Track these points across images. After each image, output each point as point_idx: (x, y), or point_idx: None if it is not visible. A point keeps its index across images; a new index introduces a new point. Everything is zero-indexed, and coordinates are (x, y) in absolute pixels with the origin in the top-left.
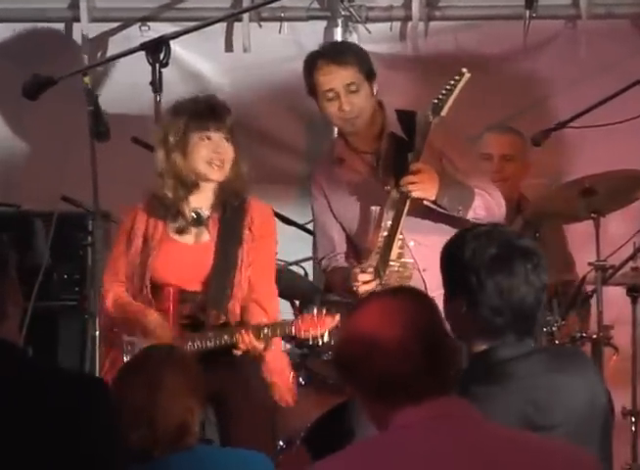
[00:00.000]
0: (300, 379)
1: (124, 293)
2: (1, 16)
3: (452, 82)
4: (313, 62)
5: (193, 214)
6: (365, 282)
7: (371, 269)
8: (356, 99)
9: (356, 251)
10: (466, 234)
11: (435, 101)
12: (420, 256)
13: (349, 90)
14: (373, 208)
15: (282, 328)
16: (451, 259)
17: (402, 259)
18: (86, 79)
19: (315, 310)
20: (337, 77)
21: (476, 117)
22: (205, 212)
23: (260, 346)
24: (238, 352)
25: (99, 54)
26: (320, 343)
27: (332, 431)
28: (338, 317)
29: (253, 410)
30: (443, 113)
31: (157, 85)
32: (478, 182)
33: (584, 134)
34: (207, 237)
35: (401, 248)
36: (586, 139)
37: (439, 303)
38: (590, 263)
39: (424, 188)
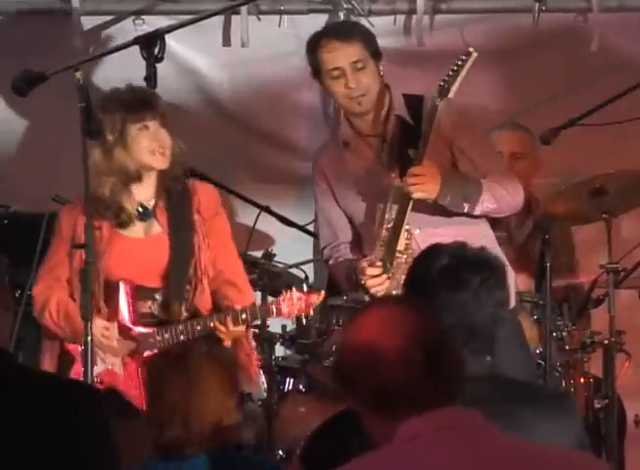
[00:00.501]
0: (301, 386)
1: (68, 298)
2: None
3: (459, 62)
4: (317, 40)
5: (138, 208)
6: (373, 276)
7: (379, 263)
8: (363, 76)
9: (360, 239)
10: (427, 249)
11: (441, 83)
12: (426, 244)
13: (356, 68)
14: (378, 203)
15: (262, 310)
16: (408, 275)
17: (409, 251)
18: (78, 75)
19: (295, 288)
20: (342, 54)
21: (484, 113)
22: (150, 204)
23: (241, 330)
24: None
25: (91, 48)
26: (304, 321)
27: (330, 445)
28: (323, 293)
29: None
30: (451, 95)
31: (151, 81)
32: (490, 170)
33: (595, 132)
34: (159, 228)
35: (408, 239)
36: (597, 137)
37: None
38: (602, 266)
39: (425, 189)
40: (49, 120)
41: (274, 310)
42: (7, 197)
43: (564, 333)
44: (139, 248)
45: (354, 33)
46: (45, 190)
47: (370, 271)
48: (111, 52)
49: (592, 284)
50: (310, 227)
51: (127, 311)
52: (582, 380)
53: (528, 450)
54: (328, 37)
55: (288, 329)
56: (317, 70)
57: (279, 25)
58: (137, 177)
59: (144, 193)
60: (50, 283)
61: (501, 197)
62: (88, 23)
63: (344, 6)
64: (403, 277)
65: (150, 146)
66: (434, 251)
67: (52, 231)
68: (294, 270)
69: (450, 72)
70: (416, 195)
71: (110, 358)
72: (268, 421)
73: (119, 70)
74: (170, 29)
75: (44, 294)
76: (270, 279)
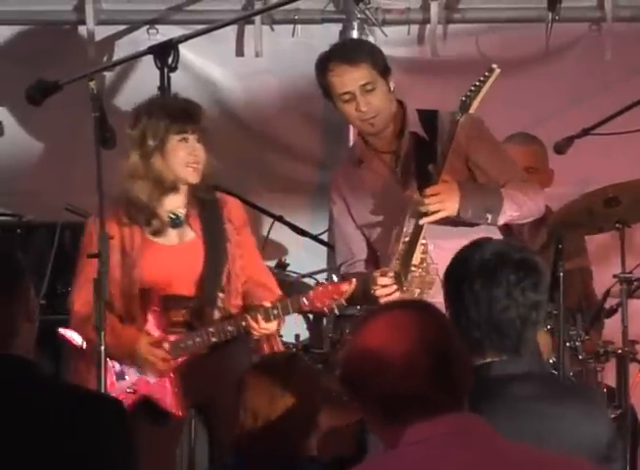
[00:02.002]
0: None
1: (110, 315)
2: (6, 18)
3: (482, 78)
4: (324, 64)
5: (171, 216)
6: (384, 285)
7: (391, 274)
8: (373, 98)
9: (376, 256)
10: (474, 241)
11: (463, 98)
12: (440, 259)
13: (365, 90)
14: (394, 220)
15: (294, 304)
16: (449, 264)
17: (424, 265)
18: (91, 84)
19: (327, 281)
20: (350, 79)
21: (497, 122)
22: (181, 212)
23: (273, 326)
24: (255, 337)
25: (105, 58)
26: (337, 312)
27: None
28: (354, 282)
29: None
30: (471, 110)
31: (165, 90)
32: (510, 178)
33: (609, 142)
34: (192, 234)
35: (424, 253)
36: (611, 147)
37: None
38: (615, 276)
39: (444, 207)
40: (63, 130)
41: (306, 303)
42: (20, 206)
43: (577, 343)
44: (173, 254)
45: (361, 55)
46: (58, 199)
47: (381, 281)
48: (124, 61)
49: (605, 294)
50: (324, 237)
51: (158, 321)
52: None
53: (535, 456)
54: (335, 61)
55: (301, 338)
56: (327, 93)
57: (292, 35)
58: (173, 187)
59: (175, 202)
60: (89, 298)
61: (523, 203)
62: (102, 32)
63: (358, 16)
64: (418, 291)
65: (185, 158)
66: (478, 244)
67: (74, 242)
68: (307, 280)
69: (472, 88)
70: (436, 216)
71: (137, 369)
72: None
73: (133, 80)
74: (184, 39)
75: (86, 308)
76: (283, 289)
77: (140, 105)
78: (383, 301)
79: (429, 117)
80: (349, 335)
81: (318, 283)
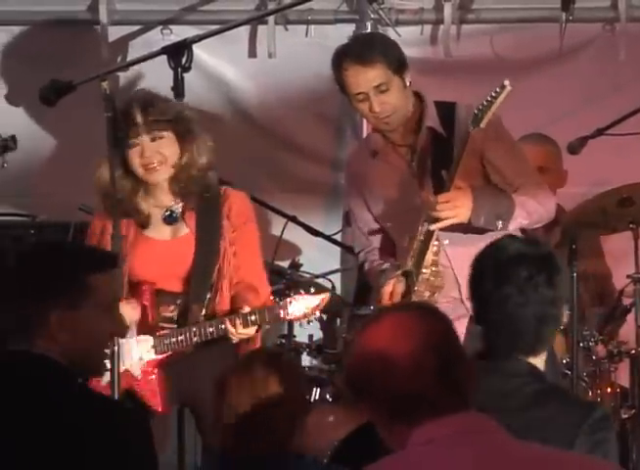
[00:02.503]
0: (327, 395)
1: None
2: (19, 18)
3: (493, 94)
4: (339, 62)
5: (165, 212)
6: (390, 295)
7: (398, 291)
8: (387, 98)
9: (394, 246)
10: (497, 240)
11: (476, 112)
12: (456, 254)
13: (379, 90)
14: (409, 213)
15: (270, 312)
16: (472, 264)
17: (434, 268)
18: (104, 84)
19: (302, 290)
20: (364, 79)
21: (511, 122)
22: (178, 208)
23: (250, 332)
24: (233, 341)
25: (119, 58)
26: (308, 322)
27: (357, 455)
28: (327, 295)
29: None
30: (482, 124)
31: (179, 90)
32: (522, 183)
33: (622, 142)
34: (186, 230)
35: (436, 254)
36: (624, 147)
37: None
38: (629, 276)
39: (456, 214)
40: (76, 130)
41: (281, 314)
42: (34, 207)
43: (591, 343)
44: (164, 249)
45: (375, 55)
46: (72, 200)
47: (387, 288)
48: (138, 62)
49: (619, 294)
50: (337, 237)
51: (148, 315)
52: (609, 390)
53: (542, 455)
54: (349, 61)
55: (314, 339)
56: (343, 90)
57: (306, 35)
58: (144, 187)
59: (165, 198)
60: None
61: (534, 210)
62: (115, 32)
63: (372, 16)
64: (427, 294)
65: (140, 162)
66: (496, 243)
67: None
68: (320, 280)
69: (485, 102)
70: (448, 222)
71: (127, 360)
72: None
73: (147, 80)
74: (198, 39)
75: None
76: (297, 289)
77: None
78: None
79: (446, 110)
80: (354, 337)
81: (295, 293)
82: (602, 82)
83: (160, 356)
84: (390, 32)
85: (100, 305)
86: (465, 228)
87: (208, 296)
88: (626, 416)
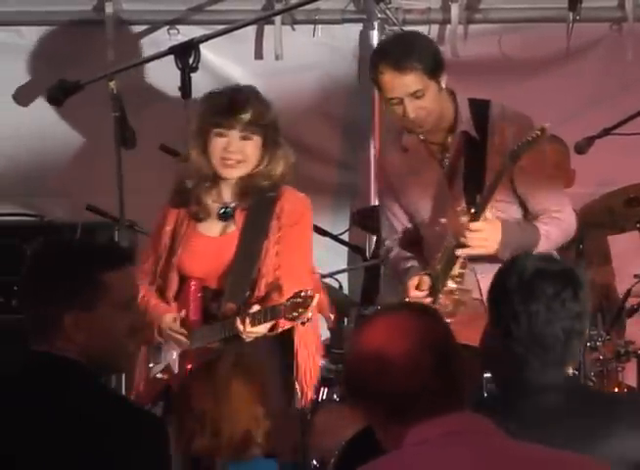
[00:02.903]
0: (335, 395)
1: (152, 293)
2: (26, 19)
3: (534, 135)
4: (375, 63)
5: (221, 209)
6: (419, 290)
7: (425, 287)
8: (422, 103)
9: (421, 239)
10: (516, 256)
11: (515, 148)
12: (484, 278)
13: (415, 96)
14: (439, 212)
15: (272, 312)
16: (493, 281)
17: (461, 287)
18: (112, 84)
19: (302, 293)
20: (400, 85)
21: None
22: (233, 204)
23: (261, 330)
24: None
25: (126, 58)
26: (304, 323)
27: (364, 455)
28: (317, 296)
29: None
30: (520, 162)
31: (186, 90)
32: (546, 208)
33: (630, 142)
34: (233, 228)
35: (463, 268)
36: (632, 147)
37: None
38: (636, 275)
39: (484, 246)
40: (84, 130)
41: (281, 313)
42: (41, 207)
43: (598, 343)
44: (211, 246)
45: (412, 61)
46: (79, 200)
47: (414, 294)
48: (145, 61)
49: (626, 294)
50: (344, 237)
51: (194, 312)
52: (616, 390)
53: (539, 455)
54: (385, 64)
55: (322, 338)
56: (378, 89)
57: (313, 35)
58: (211, 179)
59: (226, 194)
60: (140, 278)
61: (556, 238)
62: (122, 32)
63: (379, 16)
64: (450, 307)
65: (220, 154)
66: (516, 260)
67: None
68: (328, 280)
69: (525, 141)
70: (475, 251)
71: (168, 356)
72: (302, 431)
73: (154, 80)
74: (205, 39)
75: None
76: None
77: (203, 95)
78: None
79: (480, 108)
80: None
81: (292, 296)
82: (609, 82)
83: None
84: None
85: (116, 304)
86: (491, 259)
87: (247, 294)
88: None
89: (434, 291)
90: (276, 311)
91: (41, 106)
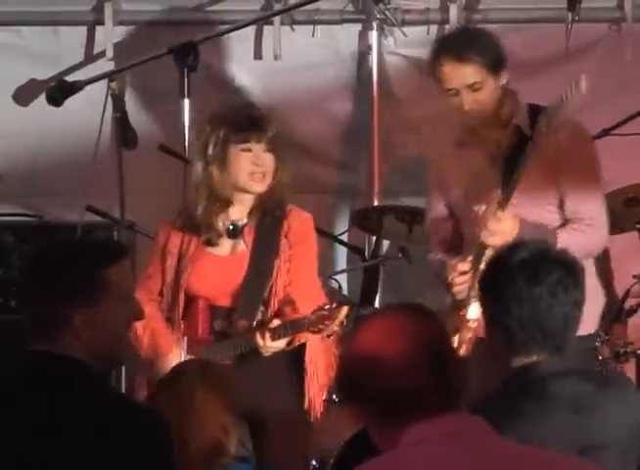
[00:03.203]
0: (334, 396)
1: (157, 312)
2: (25, 19)
3: (569, 91)
4: (436, 55)
5: (230, 226)
6: (463, 272)
7: (469, 260)
8: (479, 96)
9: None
10: (510, 244)
11: (549, 108)
12: None
13: (472, 89)
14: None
15: (295, 326)
16: (486, 266)
17: None
18: (113, 85)
19: (327, 306)
20: (458, 77)
21: None
22: (241, 222)
23: (280, 345)
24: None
25: (125, 58)
26: (331, 335)
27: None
28: (346, 309)
29: (288, 430)
30: (569, 156)
31: (184, 91)
32: (585, 211)
33: (629, 142)
34: (244, 247)
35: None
36: (631, 147)
37: None
38: (635, 276)
39: (501, 237)
40: (82, 130)
41: (304, 327)
42: (41, 207)
43: (597, 343)
44: (221, 265)
45: (472, 53)
46: (79, 200)
47: (461, 266)
48: (145, 61)
49: (625, 294)
50: (344, 237)
51: (202, 330)
52: None
53: (531, 456)
54: (446, 56)
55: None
56: (436, 80)
57: (312, 36)
58: (227, 199)
59: (239, 212)
60: (141, 295)
61: (577, 250)
62: (121, 33)
63: (378, 16)
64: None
65: (248, 168)
66: (516, 245)
67: None
68: (327, 280)
69: (559, 100)
70: (489, 241)
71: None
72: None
73: (153, 81)
74: (204, 39)
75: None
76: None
77: (209, 113)
78: (455, 289)
79: (533, 114)
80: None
81: (317, 308)
82: (608, 82)
83: None
84: (396, 32)
85: (118, 298)
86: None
87: (260, 311)
88: None
89: (472, 276)
90: (298, 325)
91: (41, 106)
